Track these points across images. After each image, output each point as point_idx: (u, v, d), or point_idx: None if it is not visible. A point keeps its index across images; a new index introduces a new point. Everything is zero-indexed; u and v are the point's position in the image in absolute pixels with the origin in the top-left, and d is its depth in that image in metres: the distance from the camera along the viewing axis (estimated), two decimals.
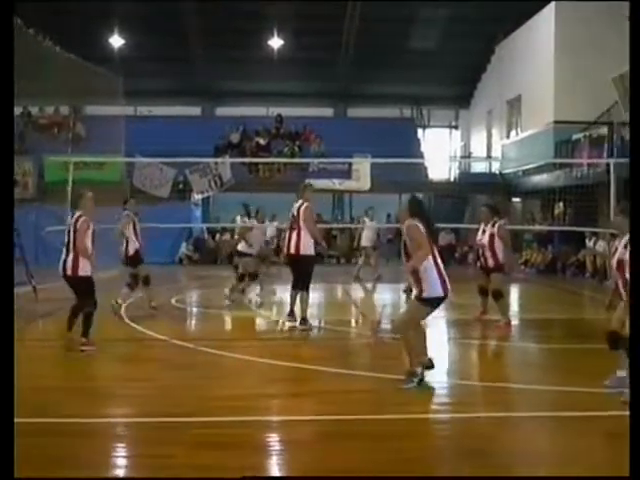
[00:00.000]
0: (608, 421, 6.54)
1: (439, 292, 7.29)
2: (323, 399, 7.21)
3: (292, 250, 11.25)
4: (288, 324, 11.63)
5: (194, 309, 14.72)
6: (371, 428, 6.27)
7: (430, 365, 7.53)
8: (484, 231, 12.01)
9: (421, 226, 7.37)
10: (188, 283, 17.63)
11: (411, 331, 7.54)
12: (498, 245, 11.79)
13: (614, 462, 5.44)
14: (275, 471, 5.40)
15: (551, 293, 18.41)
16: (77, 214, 9.48)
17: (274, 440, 6.03)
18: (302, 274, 11.31)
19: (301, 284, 11.35)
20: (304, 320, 11.35)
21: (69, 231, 9.45)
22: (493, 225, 11.88)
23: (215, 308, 13.76)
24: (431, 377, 7.77)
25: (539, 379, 8.35)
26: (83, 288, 9.42)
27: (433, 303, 7.39)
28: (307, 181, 15.47)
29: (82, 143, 26.43)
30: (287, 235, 11.54)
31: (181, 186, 22.80)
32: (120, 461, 5.57)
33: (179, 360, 9.24)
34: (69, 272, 9.34)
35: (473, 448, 5.79)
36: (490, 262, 11.84)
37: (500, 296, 11.70)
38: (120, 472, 5.35)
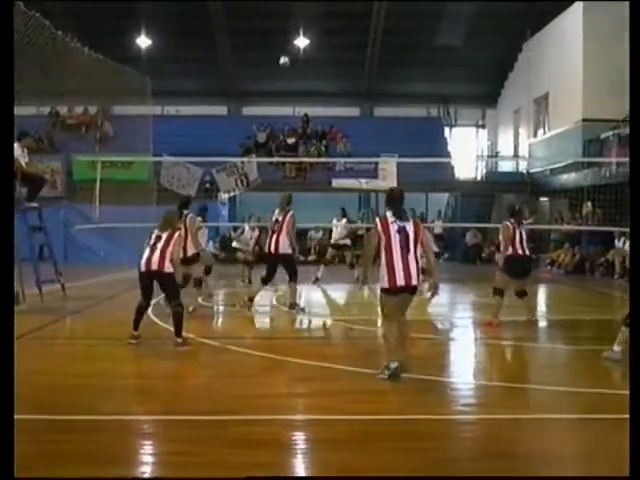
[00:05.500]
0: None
1: (385, 284, 7.83)
2: (351, 399, 7.19)
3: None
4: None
5: (220, 307, 14.75)
6: (398, 428, 6.26)
7: (395, 371, 7.71)
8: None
9: (381, 222, 7.95)
10: (214, 282, 17.61)
11: (386, 322, 8.13)
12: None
13: None
14: (304, 470, 5.39)
15: (579, 294, 18.26)
16: (170, 232, 10.02)
17: (302, 439, 6.02)
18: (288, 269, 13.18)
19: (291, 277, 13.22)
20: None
21: (159, 237, 9.92)
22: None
23: (238, 307, 13.76)
24: (457, 377, 7.76)
25: (565, 381, 8.30)
26: (172, 284, 9.92)
27: (387, 293, 7.89)
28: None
29: (110, 142, 26.64)
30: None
31: (208, 185, 22.87)
32: (147, 458, 5.60)
33: (208, 359, 9.28)
34: (155, 267, 9.70)
35: (503, 450, 5.76)
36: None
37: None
38: (148, 469, 5.37)
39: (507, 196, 29.42)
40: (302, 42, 31.18)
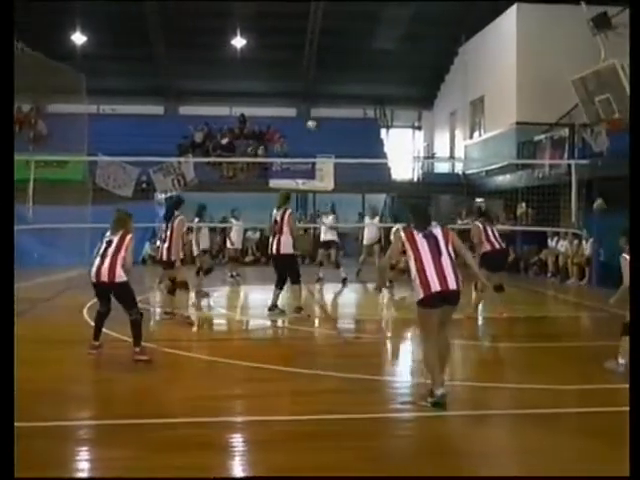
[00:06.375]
0: (573, 418, 6.64)
1: (420, 294, 6.92)
2: (289, 399, 7.22)
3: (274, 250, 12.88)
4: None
5: (157, 310, 14.60)
6: (338, 428, 6.30)
7: (441, 399, 6.79)
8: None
9: (405, 231, 7.20)
10: (151, 284, 17.43)
11: (427, 342, 7.11)
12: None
13: (582, 458, 5.52)
14: (242, 472, 5.40)
15: (514, 292, 18.56)
16: (122, 234, 9.38)
17: (240, 440, 6.04)
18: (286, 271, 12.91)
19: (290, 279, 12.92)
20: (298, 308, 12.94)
21: (109, 242, 9.28)
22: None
23: (176, 308, 13.63)
24: (399, 376, 7.83)
25: (503, 377, 8.45)
26: (126, 293, 9.20)
27: (424, 306, 6.95)
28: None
29: (44, 141, 26.16)
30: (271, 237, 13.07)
31: (144, 185, 22.62)
32: (84, 464, 5.54)
33: (150, 363, 9.18)
34: (105, 278, 9.01)
35: (440, 447, 5.85)
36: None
37: None
38: (85, 474, 5.32)
39: (443, 197, 29.79)
40: (239, 42, 31.15)
